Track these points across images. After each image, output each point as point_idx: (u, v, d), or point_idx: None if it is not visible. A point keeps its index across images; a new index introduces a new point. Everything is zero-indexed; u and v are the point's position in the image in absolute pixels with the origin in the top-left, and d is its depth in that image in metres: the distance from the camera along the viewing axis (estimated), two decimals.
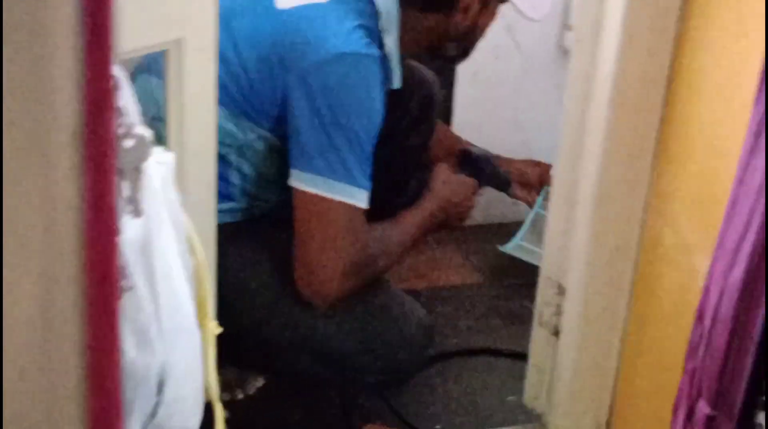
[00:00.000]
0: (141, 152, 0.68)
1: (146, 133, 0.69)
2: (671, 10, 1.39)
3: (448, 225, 2.15)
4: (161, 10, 1.34)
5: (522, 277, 2.56)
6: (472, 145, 2.44)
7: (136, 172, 0.67)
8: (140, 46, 1.38)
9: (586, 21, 1.50)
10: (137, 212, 0.68)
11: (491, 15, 1.99)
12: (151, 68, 1.79)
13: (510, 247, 2.56)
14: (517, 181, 2.41)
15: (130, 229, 0.70)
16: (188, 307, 0.79)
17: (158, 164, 0.74)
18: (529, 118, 2.76)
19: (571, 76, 1.56)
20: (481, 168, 2.31)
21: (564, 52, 2.63)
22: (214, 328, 0.88)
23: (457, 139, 2.46)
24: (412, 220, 1.98)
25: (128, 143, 0.66)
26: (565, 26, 2.61)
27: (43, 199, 0.47)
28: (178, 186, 1.42)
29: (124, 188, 0.67)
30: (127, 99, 0.72)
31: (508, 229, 2.73)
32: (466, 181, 2.15)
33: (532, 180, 2.40)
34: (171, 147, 1.41)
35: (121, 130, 0.65)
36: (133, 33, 1.33)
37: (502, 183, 2.39)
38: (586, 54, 1.50)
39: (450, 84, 2.59)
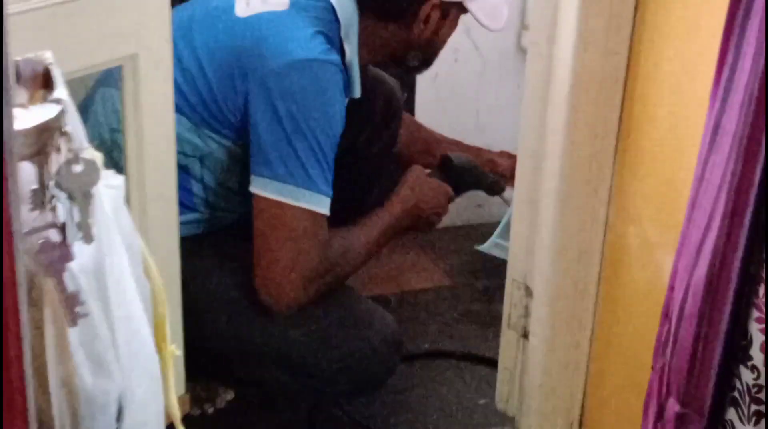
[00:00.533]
0: (90, 177, 0.67)
1: (95, 157, 0.68)
2: (626, 9, 1.39)
3: (417, 229, 2.15)
4: (115, 26, 1.34)
5: (491, 280, 2.57)
6: (455, 145, 2.42)
7: (86, 197, 0.66)
8: (96, 62, 1.38)
9: (541, 23, 1.50)
10: (88, 238, 0.67)
11: (452, 25, 2.00)
12: (110, 81, 1.78)
13: (487, 246, 2.55)
14: (490, 171, 2.39)
15: (82, 256, 0.69)
16: (145, 332, 0.78)
17: (109, 188, 0.73)
18: (491, 119, 2.76)
19: (528, 78, 1.56)
20: (461, 176, 2.25)
21: (523, 52, 2.63)
22: (173, 351, 0.87)
23: (434, 137, 2.44)
24: (375, 223, 1.97)
25: (77, 168, 0.65)
26: (524, 26, 2.61)
27: None
28: (137, 198, 1.42)
29: (74, 214, 0.66)
30: (74, 123, 0.71)
31: (475, 232, 2.73)
32: (439, 186, 2.12)
33: (504, 172, 2.38)
34: (130, 159, 1.41)
35: (69, 155, 0.64)
36: (88, 49, 1.32)
37: (490, 187, 2.34)
38: (542, 56, 1.50)
39: (411, 87, 2.58)
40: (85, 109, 1.83)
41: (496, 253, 2.53)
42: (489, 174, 2.32)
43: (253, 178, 1.79)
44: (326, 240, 1.82)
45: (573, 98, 1.45)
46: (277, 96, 1.75)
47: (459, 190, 2.22)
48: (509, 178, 2.38)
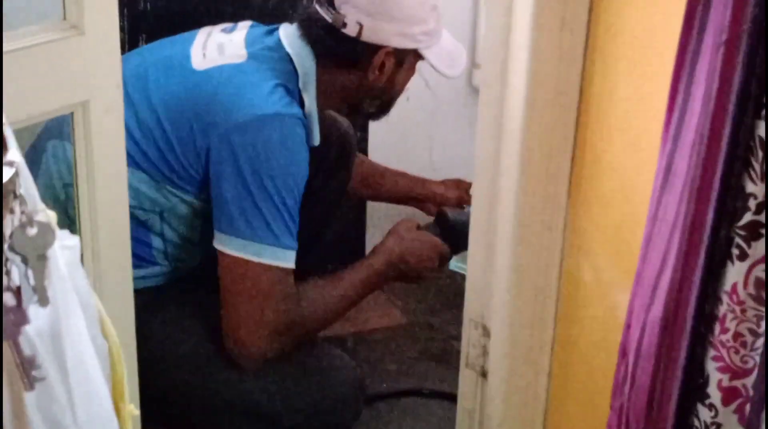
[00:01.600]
0: (45, 239, 0.66)
1: (50, 217, 0.67)
2: (576, 49, 1.41)
3: (406, 281, 2.11)
4: (65, 73, 1.33)
5: (447, 317, 2.57)
6: (399, 176, 2.40)
7: (41, 259, 0.65)
8: (47, 110, 1.37)
9: (492, 64, 1.51)
10: (44, 301, 0.66)
11: (408, 72, 2.01)
12: (62, 134, 1.77)
13: (454, 265, 2.48)
14: (435, 203, 2.37)
15: (38, 319, 0.68)
16: (103, 393, 0.77)
17: (63, 249, 0.73)
18: (444, 157, 2.77)
19: (480, 118, 1.57)
20: (456, 233, 2.14)
21: (474, 90, 2.65)
22: (132, 411, 0.86)
23: (377, 169, 2.44)
24: (354, 276, 1.95)
25: (31, 231, 0.65)
26: (474, 65, 2.63)
27: None
28: (91, 251, 1.40)
29: (29, 277, 0.65)
30: (27, 185, 0.70)
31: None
32: (430, 240, 2.08)
33: (449, 201, 2.36)
34: (83, 208, 1.39)
35: (23, 219, 0.63)
36: (38, 97, 1.31)
37: None
38: (494, 97, 1.50)
39: (363, 126, 2.59)
40: (34, 162, 1.81)
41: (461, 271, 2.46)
42: None
43: (216, 235, 1.78)
44: (293, 293, 1.81)
45: (525, 138, 1.46)
46: (239, 151, 1.74)
47: (456, 247, 2.14)
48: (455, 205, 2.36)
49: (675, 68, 1.01)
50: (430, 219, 2.25)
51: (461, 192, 2.39)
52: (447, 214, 2.19)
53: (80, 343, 0.73)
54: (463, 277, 1.72)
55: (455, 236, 2.14)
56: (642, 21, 1.29)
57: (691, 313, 1.04)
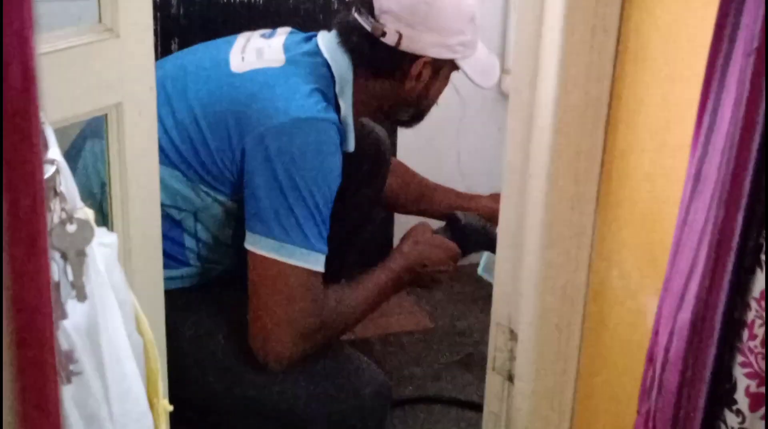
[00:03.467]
0: (84, 236, 0.67)
1: (89, 215, 0.69)
2: (607, 55, 1.41)
3: (420, 285, 2.12)
4: (100, 76, 1.35)
5: (473, 321, 2.57)
6: (449, 192, 2.40)
7: (80, 256, 0.67)
8: (81, 112, 1.38)
9: (522, 69, 1.51)
10: (82, 296, 0.68)
11: (443, 81, 2.02)
12: (100, 133, 1.78)
13: (483, 272, 2.47)
14: (485, 217, 2.37)
15: (75, 314, 0.70)
16: (138, 389, 0.79)
17: (101, 246, 0.74)
18: (472, 163, 2.78)
19: (510, 123, 1.57)
20: (469, 236, 2.19)
21: (503, 96, 2.66)
22: (166, 406, 0.87)
23: (427, 184, 2.43)
24: (374, 280, 1.96)
25: (70, 228, 0.66)
26: (504, 70, 2.63)
27: None
28: (122, 250, 1.42)
29: (68, 272, 0.66)
30: (67, 183, 0.71)
31: (457, 273, 2.73)
32: (443, 243, 2.11)
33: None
34: (115, 208, 1.41)
35: (63, 215, 0.64)
36: (73, 99, 1.33)
37: (484, 240, 2.27)
38: (523, 102, 1.51)
39: (393, 131, 2.60)
40: (73, 160, 1.83)
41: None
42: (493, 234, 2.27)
43: (248, 235, 1.79)
44: (321, 297, 1.82)
45: (555, 144, 1.46)
46: (274, 154, 1.75)
47: (467, 250, 2.17)
48: None
49: (706, 75, 1.01)
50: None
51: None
52: (458, 216, 2.22)
53: (116, 338, 0.74)
54: (489, 281, 1.73)
55: (466, 238, 2.18)
56: (673, 27, 1.29)
57: (719, 319, 1.04)
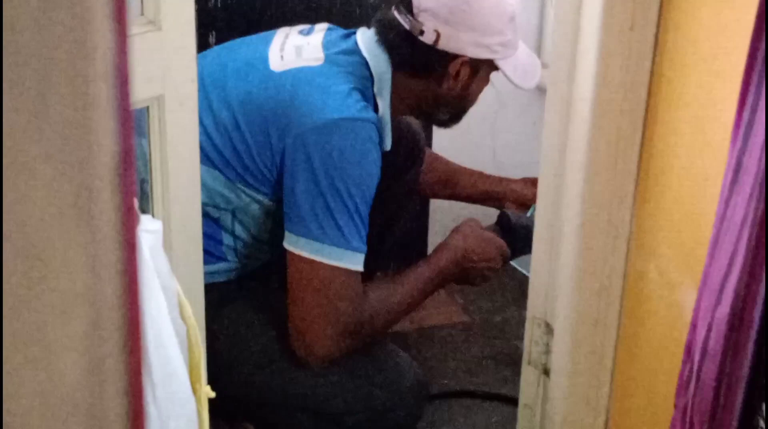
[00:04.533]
0: None
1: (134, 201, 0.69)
2: (646, 47, 1.41)
3: (467, 281, 2.10)
4: (142, 68, 1.36)
5: (508, 315, 2.57)
6: (475, 176, 2.38)
7: None
8: None
9: (560, 62, 1.51)
10: None
11: (482, 81, 2.01)
12: (140, 130, 1.80)
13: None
14: (514, 201, 2.37)
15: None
16: (182, 374, 0.79)
17: (146, 232, 0.75)
18: (507, 157, 2.77)
19: (547, 115, 1.57)
20: (520, 236, 2.13)
21: (539, 90, 2.65)
22: (208, 393, 0.88)
23: (452, 167, 2.43)
24: (419, 275, 1.95)
25: None
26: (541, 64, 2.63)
27: (89, 266, 0.46)
28: (164, 241, 1.43)
29: None
30: None
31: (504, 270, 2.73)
32: (493, 240, 2.08)
33: (529, 200, 2.35)
34: (155, 201, 1.42)
35: None
36: None
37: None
38: (561, 95, 1.51)
39: (428, 125, 2.60)
40: None
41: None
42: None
43: (287, 235, 1.79)
44: (361, 295, 1.83)
45: (592, 138, 1.46)
46: (314, 154, 1.75)
47: (517, 250, 2.13)
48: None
49: (745, 69, 1.01)
50: (492, 220, 2.24)
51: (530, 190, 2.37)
52: (509, 215, 2.19)
53: (161, 324, 0.75)
54: (526, 275, 1.73)
55: (516, 238, 2.14)
56: (712, 21, 1.28)
57: (759, 313, 1.04)
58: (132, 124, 0.47)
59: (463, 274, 2.03)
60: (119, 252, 0.45)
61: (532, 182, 2.34)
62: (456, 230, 2.05)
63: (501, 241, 2.09)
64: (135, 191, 0.46)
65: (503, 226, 2.17)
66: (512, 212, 2.21)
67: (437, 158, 2.43)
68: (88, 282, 0.45)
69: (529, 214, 2.20)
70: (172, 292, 0.80)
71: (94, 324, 0.45)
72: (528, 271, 1.71)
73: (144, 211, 1.47)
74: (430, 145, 2.65)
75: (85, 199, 0.44)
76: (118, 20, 0.45)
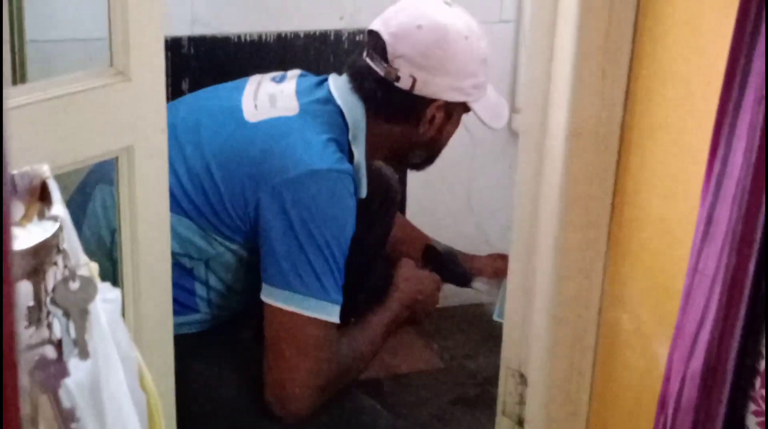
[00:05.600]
0: (87, 294, 0.67)
1: (92, 271, 0.68)
2: (617, 98, 1.41)
3: (414, 321, 2.12)
4: (111, 119, 1.35)
5: (483, 362, 2.55)
6: (436, 241, 2.42)
7: (82, 313, 0.66)
8: (92, 154, 1.38)
9: (532, 111, 1.51)
10: (84, 354, 0.67)
11: (455, 124, 2.02)
12: (111, 178, 1.78)
13: (498, 316, 2.45)
14: (484, 275, 2.36)
15: (78, 372, 0.69)
16: None
17: (105, 302, 0.73)
18: (482, 201, 2.77)
19: (520, 167, 1.57)
20: (444, 264, 2.27)
21: (513, 134, 2.65)
22: None
23: (421, 234, 2.45)
24: (379, 321, 1.96)
25: (73, 286, 0.65)
26: (514, 109, 2.63)
27: None
28: (132, 295, 1.41)
29: (71, 330, 0.66)
30: (70, 239, 0.71)
31: (466, 313, 2.72)
32: (430, 276, 2.12)
33: (499, 272, 2.34)
34: (125, 253, 1.41)
35: (65, 273, 0.64)
36: (84, 142, 1.33)
37: (462, 280, 2.33)
38: (533, 145, 1.51)
39: (403, 170, 2.60)
40: (81, 206, 1.83)
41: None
42: (461, 265, 2.33)
43: (264, 287, 1.78)
44: (336, 347, 1.81)
45: (565, 185, 1.46)
46: (290, 205, 1.74)
47: (443, 278, 2.22)
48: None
49: (716, 121, 1.01)
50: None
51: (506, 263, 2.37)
52: (436, 247, 2.29)
53: (119, 396, 0.74)
54: (500, 322, 1.72)
55: (442, 267, 2.25)
56: (684, 70, 1.29)
57: (732, 367, 1.03)
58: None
59: (411, 315, 2.05)
60: None
61: (501, 257, 2.34)
62: (399, 276, 2.06)
63: (436, 276, 2.15)
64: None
65: (431, 258, 2.27)
66: (437, 242, 2.32)
67: (412, 228, 2.42)
68: None
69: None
70: (131, 362, 0.78)
71: None
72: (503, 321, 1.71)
73: (113, 261, 1.45)
74: (404, 191, 2.65)
75: None
76: None
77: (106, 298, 0.73)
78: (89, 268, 0.70)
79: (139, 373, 0.81)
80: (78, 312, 0.66)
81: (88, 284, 0.67)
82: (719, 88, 1.00)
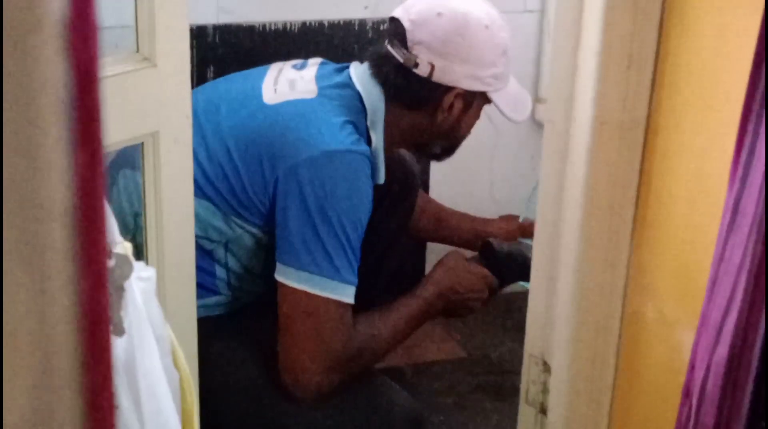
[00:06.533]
0: (123, 271, 0.67)
1: (127, 250, 0.69)
2: (644, 84, 1.41)
3: (454, 314, 2.10)
4: (137, 104, 1.36)
5: (505, 351, 2.55)
6: (464, 218, 2.40)
7: (118, 291, 0.67)
8: (118, 140, 1.39)
9: (557, 99, 1.51)
10: (120, 331, 0.68)
11: (474, 115, 2.02)
12: (134, 164, 1.80)
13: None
14: (503, 237, 2.34)
15: (113, 349, 0.69)
16: (174, 423, 0.78)
17: (140, 280, 0.74)
18: (505, 191, 2.77)
19: (545, 154, 1.57)
20: (504, 265, 2.12)
21: (537, 125, 2.65)
22: None
23: (443, 209, 2.44)
24: (406, 309, 1.95)
25: (110, 263, 0.66)
26: (538, 99, 2.63)
27: (37, 314, 0.45)
28: (157, 278, 1.42)
29: None
30: (107, 218, 0.71)
31: (492, 302, 2.72)
32: (478, 271, 2.07)
33: (510, 236, 2.33)
34: (149, 237, 1.42)
35: None
36: (110, 126, 1.34)
37: (521, 260, 2.15)
38: (558, 133, 1.51)
39: (426, 160, 2.60)
40: (107, 191, 1.84)
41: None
42: (519, 253, 2.17)
43: (278, 266, 1.79)
44: (351, 329, 1.82)
45: (590, 174, 1.46)
46: (306, 186, 1.76)
47: (504, 279, 2.11)
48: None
49: (744, 109, 1.01)
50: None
51: (514, 225, 2.39)
52: (493, 244, 2.16)
53: (153, 373, 0.74)
54: (523, 309, 1.71)
55: (501, 267, 2.12)
56: (712, 59, 1.28)
57: (757, 355, 1.03)
58: (100, 167, 0.45)
59: (448, 307, 2.03)
60: (71, 304, 0.44)
61: (508, 218, 2.35)
62: (440, 263, 2.04)
63: (486, 272, 2.07)
64: (105, 246, 0.45)
65: (487, 256, 2.15)
66: (495, 241, 2.18)
67: (429, 201, 2.43)
68: (35, 332, 0.44)
69: (522, 218, 2.22)
70: (165, 340, 0.79)
71: (43, 374, 0.44)
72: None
73: (137, 245, 1.46)
74: (427, 180, 2.66)
75: (31, 246, 0.43)
76: (77, 56, 0.43)
77: (141, 277, 0.74)
78: (124, 246, 0.71)
79: (172, 352, 0.82)
80: (114, 289, 0.67)
81: (123, 262, 0.68)
82: (746, 77, 0.99)
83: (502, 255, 2.13)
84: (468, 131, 2.06)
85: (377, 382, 1.95)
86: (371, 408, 1.89)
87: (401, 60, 1.90)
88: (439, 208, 2.45)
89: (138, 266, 0.73)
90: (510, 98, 2.01)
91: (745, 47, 1.01)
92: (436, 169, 2.67)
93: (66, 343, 0.46)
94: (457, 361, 2.55)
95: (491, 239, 2.19)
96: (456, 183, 2.71)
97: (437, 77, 1.91)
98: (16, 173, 0.42)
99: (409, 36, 1.89)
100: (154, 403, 0.74)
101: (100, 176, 0.47)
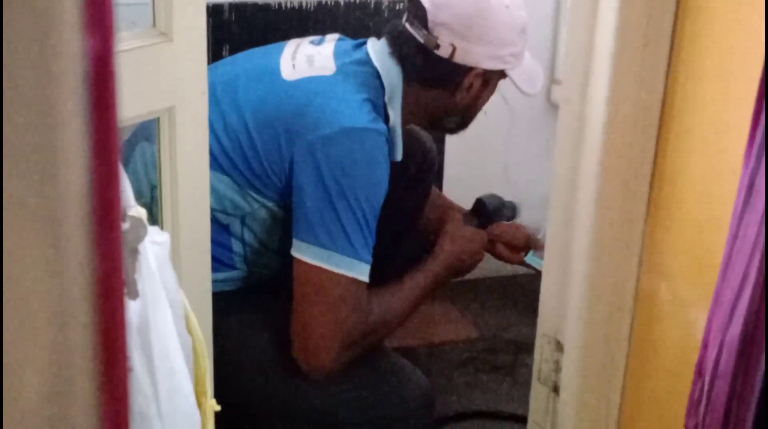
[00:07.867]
0: (137, 234, 0.68)
1: (141, 214, 0.69)
2: (659, 65, 1.40)
3: (455, 276, 2.15)
4: (153, 80, 1.36)
5: (518, 332, 2.56)
6: (488, 195, 2.43)
7: (133, 253, 0.67)
8: (134, 114, 1.40)
9: (573, 79, 1.51)
10: (134, 294, 0.68)
11: (491, 90, 2.03)
12: (151, 136, 1.80)
13: (531, 259, 2.44)
14: (504, 242, 2.36)
15: (127, 311, 0.70)
16: (187, 388, 0.79)
17: (154, 244, 0.74)
18: (519, 172, 2.77)
19: (560, 133, 1.57)
20: (494, 214, 2.31)
21: (552, 106, 2.65)
22: (213, 406, 0.88)
23: (451, 205, 2.45)
24: (416, 283, 1.97)
25: (124, 226, 0.66)
26: (553, 80, 2.63)
27: (52, 285, 0.46)
28: (172, 252, 1.43)
29: None
30: (122, 181, 0.72)
31: (502, 284, 2.73)
32: (476, 233, 2.14)
33: (519, 243, 2.35)
34: (164, 211, 1.42)
35: None
36: (126, 101, 1.34)
37: (510, 213, 2.37)
38: (574, 112, 1.50)
39: (440, 140, 2.60)
40: (125, 161, 1.85)
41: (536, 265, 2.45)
42: (508, 203, 2.36)
43: (294, 242, 1.80)
44: (365, 305, 1.83)
45: (605, 155, 1.45)
46: (323, 162, 1.76)
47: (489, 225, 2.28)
48: (523, 247, 2.34)
49: (760, 87, 1.01)
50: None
51: (528, 233, 2.37)
52: (484, 201, 2.31)
53: (166, 337, 0.75)
54: (536, 290, 1.72)
55: (492, 216, 2.30)
56: (728, 38, 1.28)
57: None
58: (115, 141, 0.46)
59: (455, 273, 2.07)
60: (89, 273, 0.44)
61: (519, 226, 2.37)
62: (444, 233, 2.07)
63: (482, 234, 2.17)
64: (119, 209, 0.45)
65: (479, 211, 2.29)
66: (486, 196, 2.33)
67: (438, 195, 2.44)
68: (53, 302, 0.44)
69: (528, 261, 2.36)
70: (178, 305, 0.80)
71: (61, 344, 0.44)
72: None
73: (153, 218, 1.47)
74: (441, 161, 2.65)
75: (49, 218, 0.43)
76: (92, 28, 0.44)
77: (155, 241, 0.74)
78: (138, 210, 0.72)
79: (185, 317, 0.82)
80: (128, 252, 0.67)
81: (138, 224, 0.69)
82: (763, 56, 0.99)
83: (493, 206, 2.31)
84: (483, 106, 2.06)
85: (390, 360, 1.95)
86: (384, 386, 1.90)
87: (421, 40, 1.90)
88: (448, 204, 2.44)
89: (152, 231, 0.74)
90: (525, 72, 2.01)
91: (762, 26, 1.01)
92: (451, 150, 2.67)
93: (82, 305, 0.46)
94: (470, 341, 2.55)
95: (482, 197, 2.32)
96: (471, 164, 2.71)
97: (458, 58, 1.91)
98: (33, 140, 0.43)
99: (430, 17, 1.89)
100: (168, 365, 0.74)
101: (115, 142, 0.47)
